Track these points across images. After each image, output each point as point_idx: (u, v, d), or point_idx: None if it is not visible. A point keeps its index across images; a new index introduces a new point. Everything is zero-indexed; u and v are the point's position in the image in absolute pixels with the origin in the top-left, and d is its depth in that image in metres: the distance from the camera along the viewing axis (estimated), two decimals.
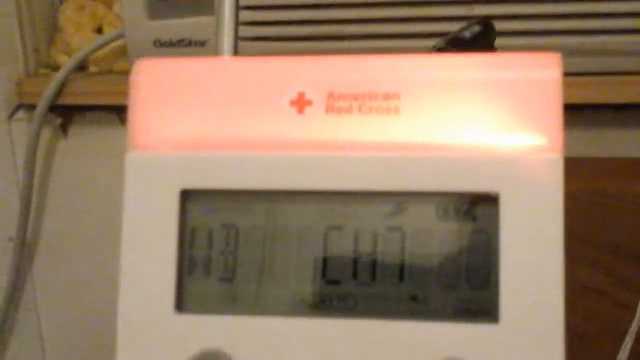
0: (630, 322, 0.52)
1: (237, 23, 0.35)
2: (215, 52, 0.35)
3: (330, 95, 0.29)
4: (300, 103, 0.30)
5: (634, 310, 0.53)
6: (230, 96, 0.30)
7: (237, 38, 0.34)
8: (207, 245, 0.30)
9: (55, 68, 0.73)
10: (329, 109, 0.29)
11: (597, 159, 0.62)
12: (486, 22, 0.43)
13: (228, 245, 0.30)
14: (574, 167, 0.29)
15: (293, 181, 0.29)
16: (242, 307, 0.30)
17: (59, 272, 0.77)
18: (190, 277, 0.30)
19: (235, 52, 0.34)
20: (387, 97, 0.29)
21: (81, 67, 0.72)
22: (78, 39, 0.73)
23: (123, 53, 0.71)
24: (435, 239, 0.29)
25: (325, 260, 0.29)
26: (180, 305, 0.30)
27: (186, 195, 0.30)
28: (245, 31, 0.63)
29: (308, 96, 0.30)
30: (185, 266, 0.30)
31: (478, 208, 0.29)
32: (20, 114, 0.74)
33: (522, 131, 0.28)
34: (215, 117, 0.30)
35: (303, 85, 0.30)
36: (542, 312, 0.28)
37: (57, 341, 0.79)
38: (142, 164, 0.30)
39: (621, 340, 0.52)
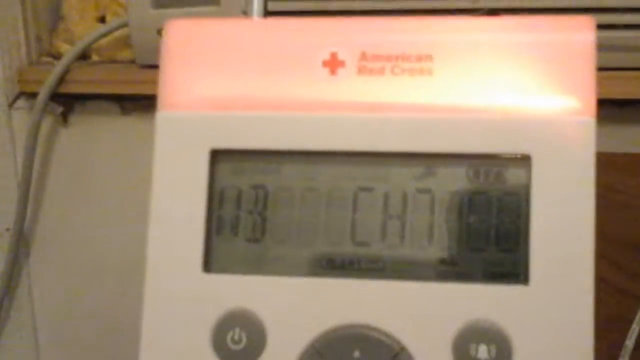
0: (636, 310, 0.53)
1: None
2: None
3: (363, 56, 0.29)
4: (333, 64, 0.30)
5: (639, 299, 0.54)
6: (263, 56, 0.30)
7: (266, 3, 0.34)
8: (236, 205, 0.30)
9: (58, 57, 0.73)
10: (361, 70, 0.29)
11: (601, 154, 0.62)
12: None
13: (257, 206, 0.30)
14: None
15: (323, 142, 0.29)
16: (269, 268, 0.30)
17: (56, 263, 0.76)
18: (218, 237, 0.30)
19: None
20: (419, 58, 0.29)
21: (84, 56, 0.71)
22: (81, 28, 0.72)
23: (126, 42, 0.70)
24: (465, 201, 0.29)
25: (354, 222, 0.29)
26: (208, 265, 0.30)
27: (216, 155, 0.30)
28: None
29: (340, 57, 0.30)
30: (214, 226, 0.30)
31: (509, 170, 0.29)
32: (21, 102, 0.73)
33: (555, 93, 0.28)
34: (246, 77, 0.30)
35: (336, 46, 0.30)
36: (572, 274, 0.28)
37: (51, 333, 0.79)
38: (173, 123, 0.30)
39: (627, 328, 0.52)
